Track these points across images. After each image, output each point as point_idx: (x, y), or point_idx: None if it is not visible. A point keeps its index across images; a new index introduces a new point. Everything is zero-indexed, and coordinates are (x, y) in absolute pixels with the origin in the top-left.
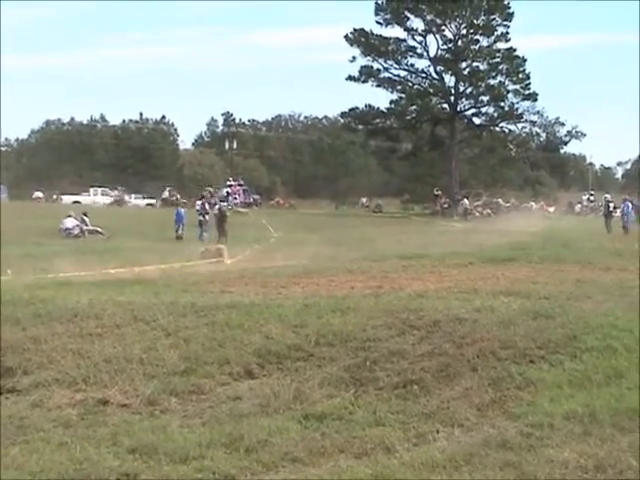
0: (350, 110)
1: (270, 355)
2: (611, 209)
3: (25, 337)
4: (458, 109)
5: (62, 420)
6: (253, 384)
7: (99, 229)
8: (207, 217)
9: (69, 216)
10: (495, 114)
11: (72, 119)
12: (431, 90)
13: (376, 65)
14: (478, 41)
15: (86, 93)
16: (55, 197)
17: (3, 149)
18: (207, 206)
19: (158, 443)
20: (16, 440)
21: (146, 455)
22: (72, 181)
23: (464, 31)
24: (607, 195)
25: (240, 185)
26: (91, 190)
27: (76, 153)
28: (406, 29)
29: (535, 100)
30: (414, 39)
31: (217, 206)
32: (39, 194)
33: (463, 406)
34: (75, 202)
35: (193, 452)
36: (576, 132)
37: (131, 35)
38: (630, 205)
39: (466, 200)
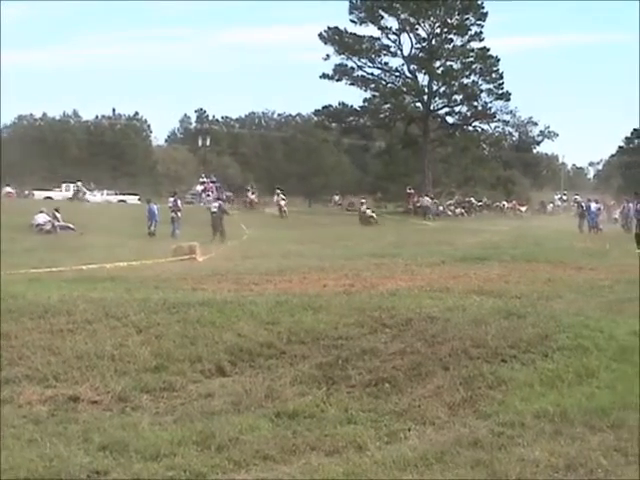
0: (324, 108)
1: (242, 353)
2: (584, 209)
3: None
4: (431, 108)
5: (32, 417)
6: (225, 382)
7: (71, 225)
8: (179, 214)
9: (41, 212)
10: (468, 113)
11: (44, 114)
12: (404, 89)
13: (350, 63)
14: (452, 40)
15: (59, 89)
16: (27, 193)
17: None
18: (179, 203)
19: (129, 440)
20: None
21: (117, 452)
22: (44, 177)
23: (438, 30)
24: (577, 196)
25: (213, 182)
26: (63, 186)
27: (48, 149)
28: (380, 28)
29: (508, 100)
30: (388, 38)
31: (215, 204)
32: (9, 190)
33: (435, 404)
34: (47, 198)
35: (164, 450)
36: (549, 132)
37: (105, 33)
38: (593, 205)
39: (427, 199)
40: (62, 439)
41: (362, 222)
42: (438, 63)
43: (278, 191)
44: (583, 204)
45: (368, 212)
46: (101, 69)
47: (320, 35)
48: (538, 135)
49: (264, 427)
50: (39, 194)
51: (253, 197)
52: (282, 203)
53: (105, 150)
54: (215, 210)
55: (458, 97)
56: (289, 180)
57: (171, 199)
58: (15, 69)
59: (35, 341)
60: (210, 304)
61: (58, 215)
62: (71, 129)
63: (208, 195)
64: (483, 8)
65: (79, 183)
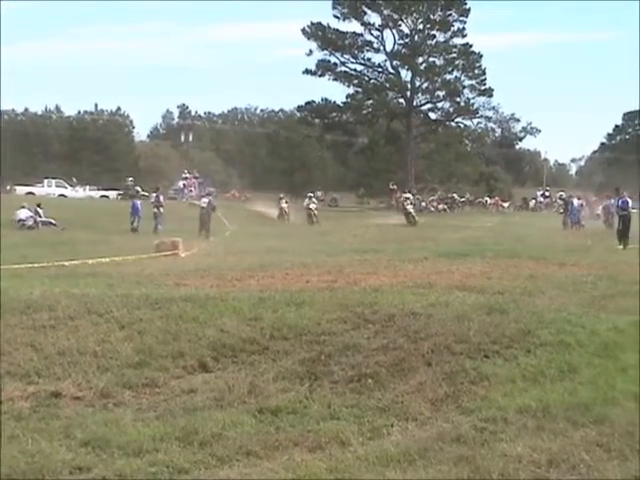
0: (306, 104)
1: (225, 348)
2: (567, 205)
3: None
4: (414, 104)
5: (14, 413)
6: (207, 377)
7: (53, 221)
8: (162, 209)
9: (23, 207)
10: (451, 109)
11: (26, 110)
12: (387, 85)
13: (333, 59)
14: (434, 36)
15: (41, 84)
16: (8, 188)
17: None
18: (162, 198)
19: (111, 436)
20: None
21: (99, 448)
22: (26, 172)
23: (421, 26)
24: (562, 192)
25: (196, 178)
26: (45, 181)
27: (30, 144)
28: (363, 23)
29: (491, 96)
30: (371, 33)
31: (205, 199)
32: None
33: (417, 400)
34: (29, 193)
35: (147, 446)
36: (531, 128)
37: (88, 28)
38: (575, 201)
39: (409, 195)
40: (44, 435)
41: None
42: (421, 59)
43: (311, 194)
44: (566, 200)
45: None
46: (84, 64)
47: (303, 31)
48: (520, 131)
49: (247, 423)
50: (21, 189)
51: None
52: (312, 207)
53: (87, 145)
54: (204, 206)
55: (441, 93)
56: (272, 176)
57: (154, 195)
58: None
59: (17, 337)
60: (193, 300)
61: (40, 211)
62: (53, 124)
63: (190, 191)
64: (466, 4)
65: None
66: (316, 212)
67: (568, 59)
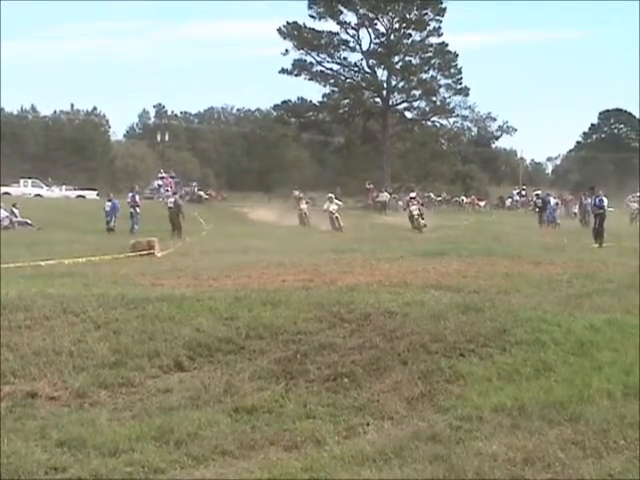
0: (283, 103)
1: (200, 348)
2: (543, 204)
3: None
4: (390, 103)
5: None
6: (183, 377)
7: (29, 221)
8: (138, 209)
9: None
10: (427, 108)
11: (1, 110)
12: (363, 84)
13: (309, 58)
14: (410, 35)
15: (16, 84)
16: None
17: None
18: (137, 198)
19: (87, 436)
20: None
21: (75, 448)
22: (1, 172)
23: (397, 25)
24: (539, 191)
25: (172, 177)
26: (21, 181)
27: (6, 144)
28: (339, 23)
29: (467, 95)
30: (347, 33)
31: (172, 199)
32: None
33: (393, 399)
34: (5, 193)
35: (122, 445)
36: (507, 127)
37: (63, 27)
38: (551, 200)
39: (386, 193)
40: (20, 435)
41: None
42: (397, 58)
43: (331, 195)
44: (542, 199)
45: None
46: (59, 64)
47: (279, 30)
48: (497, 130)
49: (223, 422)
50: None
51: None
52: (333, 208)
53: (64, 145)
54: (171, 205)
55: (417, 92)
56: (248, 175)
57: (130, 194)
58: None
59: None
60: (169, 299)
61: (16, 211)
62: (29, 124)
63: (167, 190)
64: (442, 4)
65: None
66: (338, 216)
67: (544, 58)
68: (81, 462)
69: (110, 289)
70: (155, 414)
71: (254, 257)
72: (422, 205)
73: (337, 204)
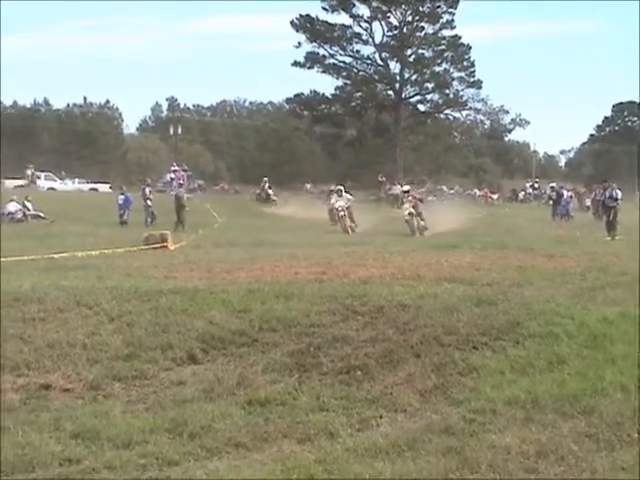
0: (295, 96)
1: (214, 340)
2: (556, 197)
3: None
4: (403, 96)
5: (4, 405)
6: (197, 369)
7: (42, 214)
8: (150, 202)
9: (12, 200)
10: (440, 101)
11: (15, 103)
12: (376, 77)
13: (322, 51)
14: (423, 28)
15: (30, 78)
16: None
17: None
18: (149, 191)
19: (101, 428)
20: None
21: (89, 440)
22: (15, 166)
23: (409, 18)
24: (553, 184)
25: (185, 170)
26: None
27: (19, 137)
28: (352, 15)
29: (480, 88)
30: (360, 26)
31: (174, 192)
32: None
33: (406, 392)
34: (18, 187)
35: (136, 437)
36: (520, 120)
37: (76, 21)
38: (564, 193)
39: (398, 186)
40: (34, 427)
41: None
42: (410, 51)
43: (340, 188)
44: (556, 192)
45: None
46: (73, 58)
47: (292, 23)
48: (510, 123)
49: (236, 415)
50: (9, 183)
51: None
52: (339, 204)
53: (76, 138)
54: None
55: (430, 85)
56: (260, 168)
57: (142, 187)
58: None
59: (7, 329)
60: (182, 292)
61: (29, 204)
62: (42, 117)
63: (180, 184)
64: None
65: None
66: (345, 213)
67: (557, 50)
68: (95, 454)
69: (123, 282)
70: (169, 406)
71: (267, 250)
72: (420, 201)
73: (348, 198)
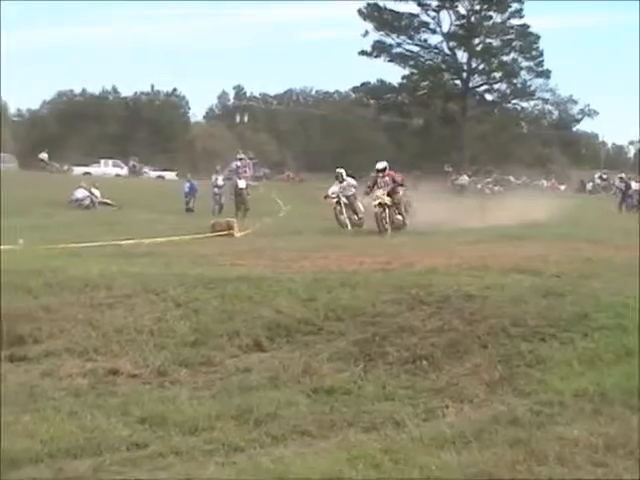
0: (362, 85)
1: (279, 328)
2: (625, 188)
3: (36, 306)
4: (470, 85)
5: (72, 389)
6: (262, 357)
7: (109, 201)
8: (217, 190)
9: (80, 187)
10: (507, 91)
11: (84, 90)
12: (443, 66)
13: (389, 40)
14: (491, 17)
15: (98, 65)
16: (66, 168)
17: (15, 119)
18: (219, 179)
19: (168, 414)
20: (27, 408)
21: (156, 425)
22: (83, 152)
23: (477, 7)
24: (622, 175)
25: (250, 159)
26: (102, 162)
27: (87, 124)
28: (419, 4)
29: (548, 77)
30: (427, 14)
31: (232, 181)
32: (44, 155)
33: (472, 382)
34: (86, 173)
35: (202, 423)
36: (589, 110)
37: (145, 9)
38: (633, 184)
39: (465, 177)
40: (102, 411)
41: None
42: (477, 40)
43: (340, 171)
44: (626, 183)
45: None
46: (141, 46)
47: (359, 11)
48: (578, 113)
49: (301, 402)
50: (78, 169)
51: None
52: (332, 190)
53: (143, 126)
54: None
55: (497, 74)
56: (326, 157)
57: (213, 176)
58: (56, 45)
59: (75, 315)
60: (248, 280)
61: (96, 191)
62: (110, 105)
63: (245, 172)
64: None
65: (136, 159)
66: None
67: (626, 40)
68: (162, 439)
69: (189, 269)
70: (235, 393)
71: (332, 239)
72: (400, 185)
73: (350, 184)
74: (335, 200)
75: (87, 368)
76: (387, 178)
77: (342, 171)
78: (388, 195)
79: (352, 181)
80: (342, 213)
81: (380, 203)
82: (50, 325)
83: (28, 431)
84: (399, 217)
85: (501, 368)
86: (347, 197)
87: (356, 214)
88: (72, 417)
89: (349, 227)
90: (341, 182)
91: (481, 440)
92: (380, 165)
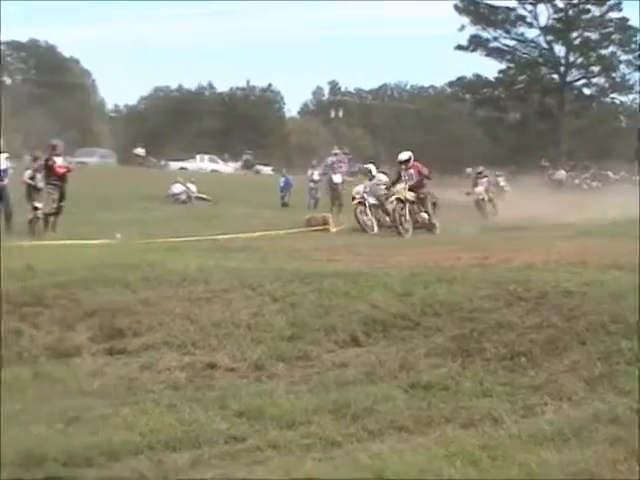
0: (457, 79)
1: (376, 323)
2: None
3: (135, 300)
4: (568, 79)
5: (171, 382)
6: (359, 352)
7: (205, 195)
8: (312, 184)
9: (176, 182)
10: (606, 85)
11: (180, 86)
12: (541, 60)
13: (485, 34)
14: (589, 10)
15: (195, 61)
16: (163, 163)
17: (112, 115)
18: (315, 174)
19: (265, 408)
20: (126, 400)
21: (253, 419)
22: (180, 147)
23: (575, 0)
24: None
25: (345, 154)
26: (198, 157)
27: (183, 119)
28: None
29: None
30: (524, 8)
31: (327, 175)
32: (140, 151)
33: (571, 380)
34: (182, 168)
35: (300, 418)
36: None
37: (240, 5)
38: None
39: (562, 171)
40: (200, 405)
41: None
42: (575, 34)
43: (369, 167)
44: None
45: None
46: (237, 42)
47: (455, 6)
48: None
49: (398, 398)
50: (174, 164)
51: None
52: (336, 180)
53: (239, 121)
54: (337, 182)
55: (595, 68)
56: (421, 152)
57: (309, 171)
58: (154, 41)
59: (173, 308)
60: (344, 275)
61: (192, 186)
62: (206, 100)
63: (340, 167)
64: None
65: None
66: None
67: None
68: (259, 432)
69: (286, 263)
70: (331, 388)
71: (427, 235)
72: (427, 178)
73: (382, 182)
74: (358, 201)
75: (185, 362)
76: (412, 171)
77: (372, 167)
78: (411, 190)
79: (384, 177)
80: (366, 214)
81: (399, 198)
82: (149, 318)
83: (127, 423)
84: (424, 215)
85: (600, 365)
86: (377, 196)
87: (388, 215)
88: (171, 410)
89: (375, 230)
90: (370, 179)
91: (581, 438)
92: (403, 156)
